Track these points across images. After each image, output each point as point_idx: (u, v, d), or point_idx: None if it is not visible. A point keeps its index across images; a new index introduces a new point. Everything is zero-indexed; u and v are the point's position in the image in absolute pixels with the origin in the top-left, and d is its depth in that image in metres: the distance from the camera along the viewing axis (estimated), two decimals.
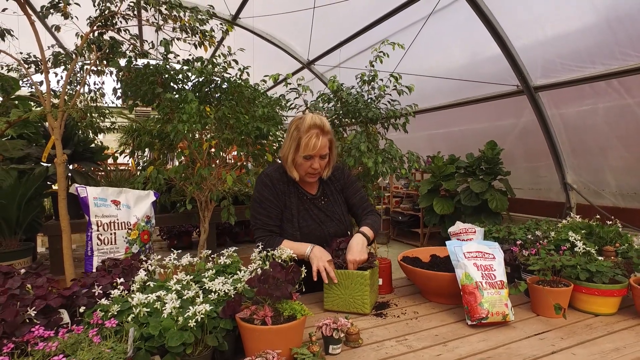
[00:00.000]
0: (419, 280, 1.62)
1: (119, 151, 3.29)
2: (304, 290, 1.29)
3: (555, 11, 3.65)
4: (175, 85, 2.85)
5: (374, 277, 1.58)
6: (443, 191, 5.56)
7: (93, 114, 3.78)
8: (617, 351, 1.18)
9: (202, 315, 0.99)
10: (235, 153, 3.04)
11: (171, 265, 1.29)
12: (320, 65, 7.28)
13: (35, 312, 0.98)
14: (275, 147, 3.20)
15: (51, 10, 2.52)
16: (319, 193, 1.80)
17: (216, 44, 3.18)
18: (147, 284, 1.16)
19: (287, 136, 1.69)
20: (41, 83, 2.68)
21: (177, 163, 3.16)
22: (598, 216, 1.77)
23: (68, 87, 3.16)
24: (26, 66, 2.74)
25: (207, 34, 3.09)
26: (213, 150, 2.66)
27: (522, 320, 1.41)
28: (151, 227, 2.06)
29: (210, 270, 1.24)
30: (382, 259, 1.76)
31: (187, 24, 2.96)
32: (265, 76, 3.26)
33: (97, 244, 1.84)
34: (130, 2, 2.86)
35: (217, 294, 1.11)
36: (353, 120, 3.38)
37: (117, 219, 1.90)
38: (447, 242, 1.52)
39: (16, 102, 3.21)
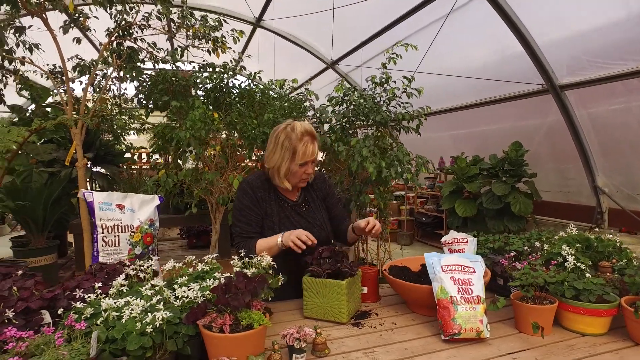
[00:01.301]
0: (400, 291, 1.61)
1: (136, 154, 3.45)
2: (269, 299, 1.33)
3: (579, 6, 3.46)
4: (187, 91, 2.97)
5: (354, 286, 1.58)
6: (467, 193, 5.40)
7: (123, 116, 4.00)
8: None
9: (160, 322, 1.04)
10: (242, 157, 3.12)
11: (150, 270, 1.37)
12: (344, 65, 7.27)
13: (14, 313, 1.08)
14: None
15: (72, 25, 2.70)
16: (300, 199, 1.83)
17: (228, 49, 3.26)
18: (121, 288, 1.24)
19: (277, 147, 1.68)
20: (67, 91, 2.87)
21: (189, 166, 3.29)
22: (597, 229, 1.67)
23: (94, 93, 3.36)
24: (53, 77, 2.95)
25: (218, 40, 3.18)
26: (218, 155, 2.74)
27: (500, 337, 1.37)
28: (154, 230, 2.17)
29: (184, 277, 1.30)
30: (368, 268, 1.76)
31: (198, 32, 3.06)
32: (276, 80, 3.31)
33: (102, 246, 1.96)
34: (145, 13, 3.00)
35: (181, 300, 1.16)
36: (364, 123, 3.37)
37: (121, 222, 2.01)
38: (425, 255, 1.50)
39: (48, 109, 3.46)
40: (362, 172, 3.07)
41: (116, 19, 2.85)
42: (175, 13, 3.01)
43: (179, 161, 3.14)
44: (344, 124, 3.29)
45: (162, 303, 1.11)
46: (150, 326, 1.03)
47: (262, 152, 3.27)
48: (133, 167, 4.83)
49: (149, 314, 1.06)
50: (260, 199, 1.73)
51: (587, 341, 1.33)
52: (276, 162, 1.68)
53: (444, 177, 6.52)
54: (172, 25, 3.02)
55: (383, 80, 3.42)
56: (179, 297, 1.17)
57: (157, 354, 1.07)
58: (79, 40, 2.85)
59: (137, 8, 2.93)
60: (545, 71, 3.98)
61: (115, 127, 4.01)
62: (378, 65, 3.53)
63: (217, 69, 3.17)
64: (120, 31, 2.93)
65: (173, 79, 2.75)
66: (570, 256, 1.49)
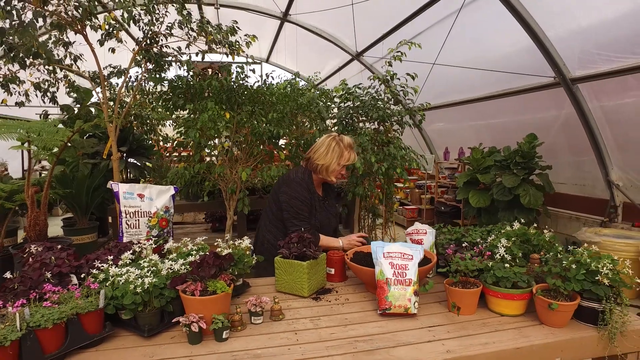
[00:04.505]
0: (355, 273, 1.91)
1: (163, 147, 3.92)
2: (236, 272, 1.67)
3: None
4: (202, 93, 3.34)
5: (317, 267, 1.89)
6: (482, 184, 5.46)
7: (158, 109, 4.48)
8: (484, 345, 1.38)
9: (148, 285, 1.42)
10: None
11: (149, 247, 1.76)
12: (369, 57, 7.41)
13: (50, 274, 1.51)
14: (292, 146, 3.55)
15: (106, 38, 3.15)
16: (324, 196, 2.39)
17: (243, 52, 3.59)
18: (127, 261, 1.64)
19: (327, 150, 2.24)
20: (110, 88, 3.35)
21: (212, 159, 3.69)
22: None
23: (127, 92, 3.84)
24: (93, 81, 3.45)
25: (233, 45, 3.53)
26: (227, 150, 3.12)
27: (428, 315, 1.63)
28: (169, 216, 2.58)
29: (174, 254, 1.68)
30: (335, 252, 2.06)
31: (215, 39, 3.42)
32: (285, 81, 3.61)
33: (125, 228, 2.40)
34: (168, 23, 3.40)
35: (167, 271, 1.54)
36: (366, 119, 3.61)
37: (141, 209, 2.44)
38: (372, 243, 1.77)
39: (92, 109, 4.01)
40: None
41: (143, 30, 3.27)
42: (194, 22, 3.39)
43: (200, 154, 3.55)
44: (346, 120, 3.54)
45: (150, 272, 1.49)
46: (140, 288, 1.41)
47: (271, 148, 3.61)
48: (171, 157, 5.33)
49: (139, 279, 1.44)
50: (311, 192, 2.26)
51: (500, 320, 1.57)
52: (327, 161, 2.24)
53: (464, 167, 6.56)
54: (192, 33, 3.39)
55: (387, 78, 3.62)
56: (165, 268, 1.55)
57: (147, 309, 1.46)
58: (113, 50, 3.30)
59: (161, 20, 3.33)
60: (556, 64, 3.97)
61: (148, 121, 4.53)
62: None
63: (232, 71, 3.51)
64: (148, 40, 3.36)
65: (189, 84, 3.14)
66: (502, 248, 1.70)
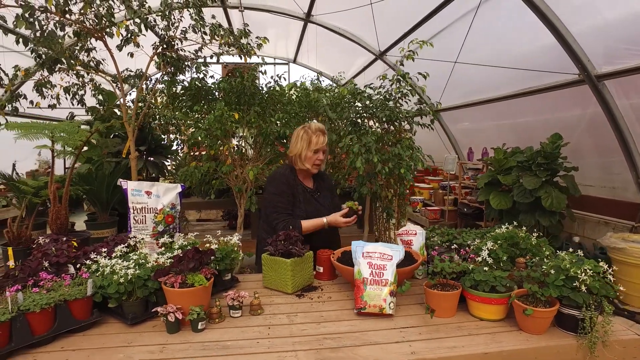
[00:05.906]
0: (339, 271, 1.92)
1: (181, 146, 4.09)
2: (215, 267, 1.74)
3: None
4: (215, 95, 3.46)
5: (302, 265, 1.92)
6: (504, 185, 5.27)
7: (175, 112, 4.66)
8: (451, 348, 1.36)
9: (130, 276, 1.52)
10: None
11: (143, 243, 1.87)
12: (392, 56, 7.32)
13: (48, 264, 1.64)
14: None
15: (124, 44, 3.33)
16: (315, 188, 2.42)
17: (255, 53, 3.68)
18: (119, 253, 1.75)
19: (297, 139, 2.30)
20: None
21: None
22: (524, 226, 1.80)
23: (148, 94, 4.03)
24: (114, 84, 3.65)
25: (244, 47, 3.63)
26: (234, 150, 3.21)
27: (405, 316, 1.63)
28: (175, 212, 2.70)
29: (162, 248, 1.77)
30: (324, 251, 2.08)
31: (228, 41, 3.53)
32: (289, 83, 3.65)
33: (133, 223, 2.53)
34: (183, 27, 3.54)
35: (151, 264, 1.63)
36: (377, 119, 3.59)
37: (147, 205, 2.57)
38: (352, 242, 1.79)
39: (116, 110, 4.24)
40: (366, 166, 3.32)
41: (160, 34, 3.43)
42: (207, 26, 3.51)
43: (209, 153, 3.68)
44: (355, 119, 3.54)
45: (134, 264, 1.58)
46: (122, 278, 1.50)
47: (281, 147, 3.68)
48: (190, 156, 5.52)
49: (125, 270, 1.54)
50: (292, 185, 2.29)
51: (478, 324, 1.53)
52: (298, 150, 2.29)
53: (487, 168, 6.35)
54: (205, 36, 3.52)
55: (399, 77, 3.59)
56: (154, 261, 1.64)
57: (131, 298, 1.55)
58: (132, 55, 3.49)
59: (176, 24, 3.49)
60: (580, 61, 3.77)
61: (174, 121, 4.74)
62: (421, 55, 3.70)
63: (245, 75, 3.61)
64: (165, 44, 3.52)
65: (199, 85, 3.27)
66: (485, 251, 1.67)
